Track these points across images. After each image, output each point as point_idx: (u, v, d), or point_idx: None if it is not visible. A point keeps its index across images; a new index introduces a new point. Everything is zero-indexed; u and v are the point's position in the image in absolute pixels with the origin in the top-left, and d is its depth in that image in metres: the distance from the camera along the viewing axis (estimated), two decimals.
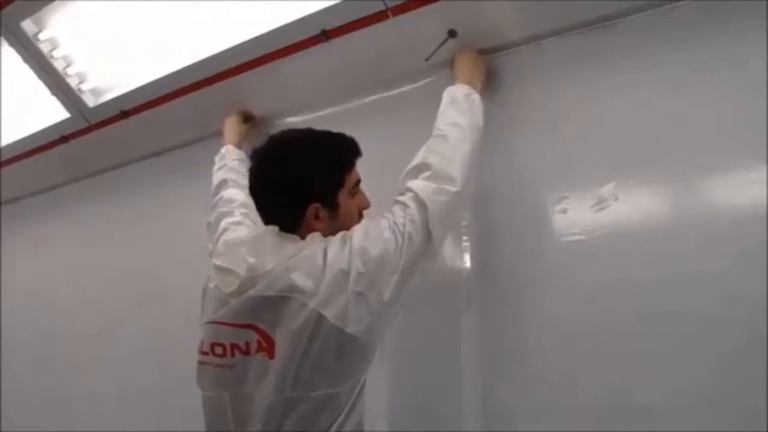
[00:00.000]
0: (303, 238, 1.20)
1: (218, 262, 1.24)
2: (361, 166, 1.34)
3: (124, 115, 2.07)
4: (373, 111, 1.71)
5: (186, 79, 1.87)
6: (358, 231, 1.18)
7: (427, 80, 1.65)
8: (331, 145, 1.25)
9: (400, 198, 1.23)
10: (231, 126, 1.82)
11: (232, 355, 1.17)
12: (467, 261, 1.54)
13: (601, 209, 1.39)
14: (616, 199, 1.38)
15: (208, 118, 1.96)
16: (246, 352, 1.16)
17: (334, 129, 1.30)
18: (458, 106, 1.35)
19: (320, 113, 1.82)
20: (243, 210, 1.52)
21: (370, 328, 1.14)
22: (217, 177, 1.65)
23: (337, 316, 1.10)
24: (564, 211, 1.44)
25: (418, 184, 1.23)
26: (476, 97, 1.39)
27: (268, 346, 1.13)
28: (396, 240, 1.16)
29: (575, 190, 1.44)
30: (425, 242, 1.20)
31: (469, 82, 1.41)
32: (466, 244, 1.54)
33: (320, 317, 1.10)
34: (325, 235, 1.20)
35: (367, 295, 1.12)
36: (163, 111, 1.99)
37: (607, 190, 1.39)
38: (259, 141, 1.74)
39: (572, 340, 1.39)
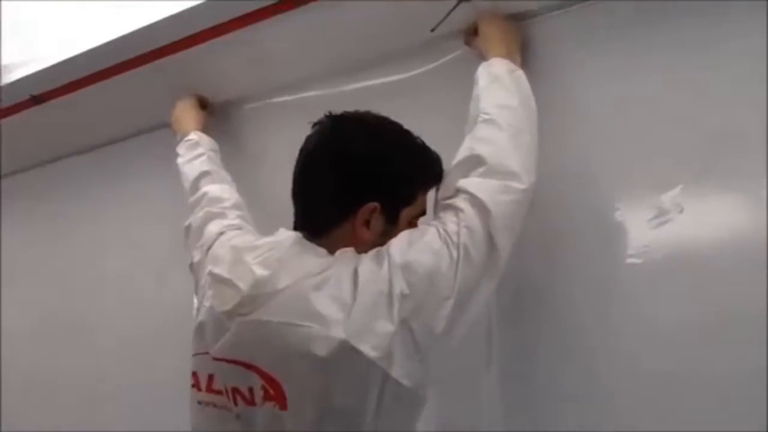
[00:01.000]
0: (332, 252, 1.00)
1: (216, 270, 1.04)
2: None
3: (36, 100, 1.73)
4: (367, 99, 1.40)
5: (120, 55, 1.57)
6: (397, 243, 0.98)
7: (441, 60, 1.37)
8: (424, 151, 1.08)
9: (450, 201, 1.03)
10: (188, 111, 1.58)
11: (235, 402, 0.99)
12: None
13: (662, 224, 1.13)
14: (681, 211, 1.12)
15: (150, 106, 1.68)
16: (250, 402, 0.97)
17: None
18: (503, 85, 1.13)
19: (297, 97, 1.55)
20: (238, 212, 1.30)
21: (418, 374, 0.94)
22: (193, 168, 1.42)
23: (379, 352, 0.90)
24: (615, 227, 1.18)
25: (473, 183, 1.03)
26: (521, 74, 1.16)
27: (276, 394, 0.94)
28: (450, 254, 0.97)
29: (628, 198, 1.18)
30: (488, 256, 1.00)
31: (508, 56, 1.17)
32: None
33: (353, 352, 0.90)
34: (360, 246, 1.01)
35: (412, 326, 0.92)
36: (88, 96, 1.68)
37: (669, 198, 1.13)
38: (216, 134, 1.54)
39: (621, 391, 1.14)
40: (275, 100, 1.61)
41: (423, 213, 1.09)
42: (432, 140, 1.10)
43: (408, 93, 1.40)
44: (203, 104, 1.63)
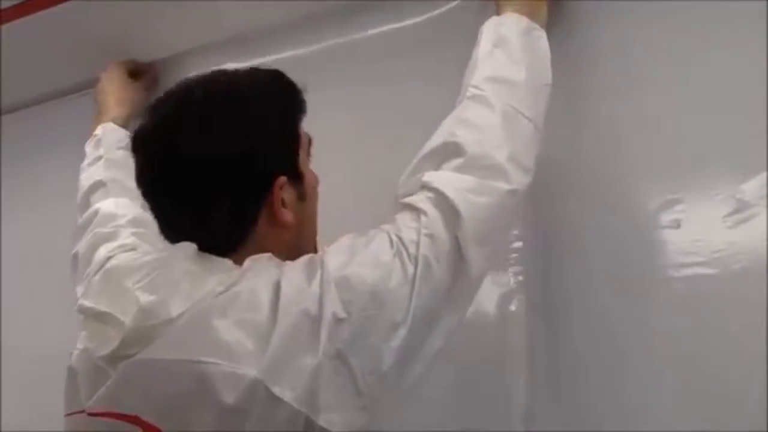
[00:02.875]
0: (239, 261, 0.86)
1: (88, 304, 0.90)
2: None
3: None
4: (357, 54, 1.24)
5: None
6: (335, 250, 0.86)
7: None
8: (276, 79, 0.94)
9: (410, 199, 0.88)
10: (114, 86, 1.37)
11: None
12: (514, 305, 1.05)
13: (743, 221, 0.92)
14: None
15: (59, 66, 1.47)
16: None
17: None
18: (510, 52, 0.95)
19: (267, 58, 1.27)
20: (134, 230, 1.13)
21: (358, 425, 0.80)
22: (86, 177, 1.26)
23: (299, 395, 0.77)
24: (676, 225, 0.97)
25: (442, 177, 0.89)
26: (540, 35, 0.97)
27: None
28: (403, 268, 0.83)
29: (695, 189, 0.97)
30: (454, 274, 0.85)
31: (528, 11, 0.98)
32: (516, 276, 1.06)
33: (269, 396, 0.77)
34: (287, 243, 0.90)
35: (350, 360, 0.79)
36: None
37: (752, 188, 0.92)
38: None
39: None
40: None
41: (311, 141, 0.97)
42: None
43: (396, 51, 1.18)
44: (137, 72, 1.40)
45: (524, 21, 0.95)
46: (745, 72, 0.93)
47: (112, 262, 1.01)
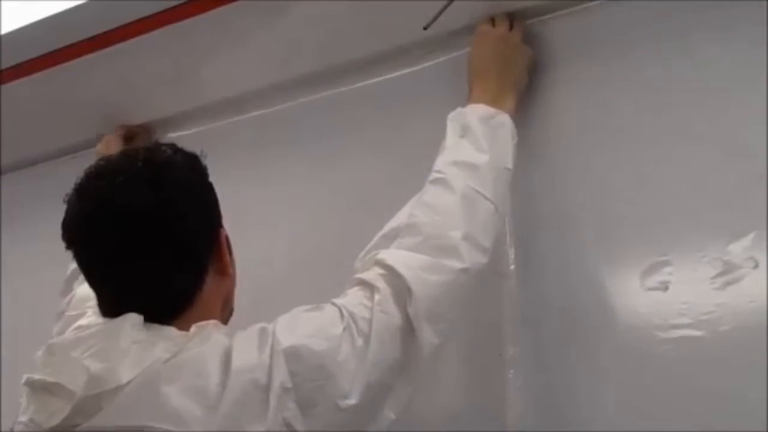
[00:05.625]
0: (185, 328, 0.86)
1: (36, 377, 0.87)
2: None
3: None
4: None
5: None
6: (286, 321, 0.88)
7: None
8: (182, 148, 0.95)
9: (364, 275, 0.91)
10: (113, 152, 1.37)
11: None
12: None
13: (730, 283, 0.91)
14: (756, 266, 0.90)
15: (58, 126, 1.47)
16: None
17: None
18: (473, 139, 0.98)
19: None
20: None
21: None
22: (71, 266, 1.28)
23: None
24: (664, 287, 0.96)
25: (396, 256, 0.91)
26: (503, 120, 1.00)
27: None
28: (353, 341, 0.85)
29: (682, 250, 0.95)
30: (406, 349, 0.87)
31: (494, 97, 1.01)
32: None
33: None
34: (225, 294, 0.93)
35: (297, 429, 0.81)
36: None
37: (739, 249, 0.92)
38: None
39: None
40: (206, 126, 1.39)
41: None
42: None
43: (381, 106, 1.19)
44: (131, 137, 1.44)
45: (484, 109, 0.99)
46: (730, 134, 0.94)
47: (57, 339, 1.00)
